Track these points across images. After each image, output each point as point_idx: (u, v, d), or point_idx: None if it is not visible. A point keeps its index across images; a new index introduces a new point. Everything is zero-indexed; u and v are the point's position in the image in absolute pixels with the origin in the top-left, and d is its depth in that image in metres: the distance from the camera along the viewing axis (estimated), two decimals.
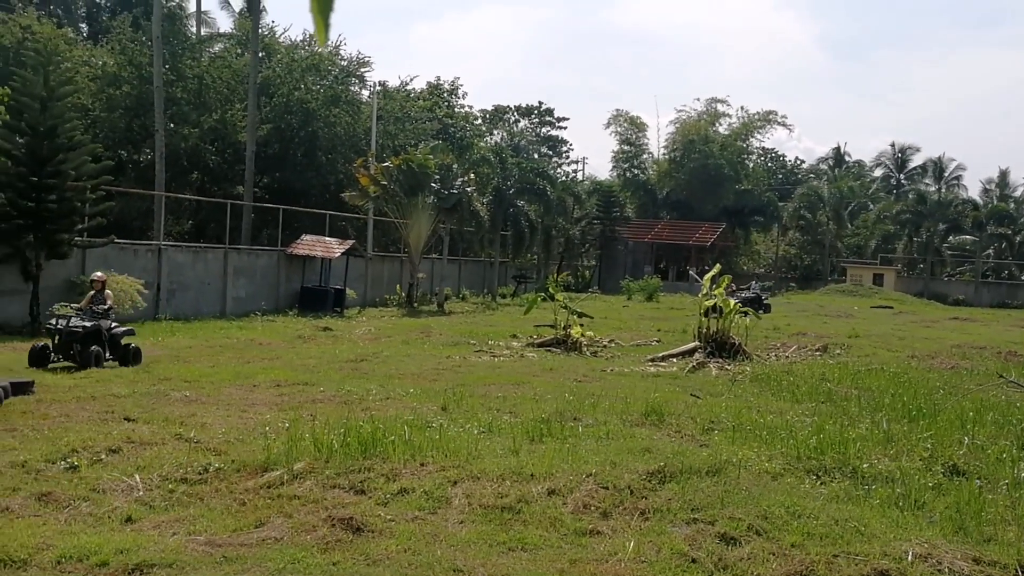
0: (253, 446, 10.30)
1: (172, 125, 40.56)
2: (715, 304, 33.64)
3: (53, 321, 17.95)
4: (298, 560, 7.16)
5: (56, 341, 17.61)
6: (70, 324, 17.53)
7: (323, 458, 9.40)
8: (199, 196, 41.13)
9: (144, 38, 43.18)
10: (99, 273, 19.35)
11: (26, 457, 9.79)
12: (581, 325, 23.81)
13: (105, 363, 17.70)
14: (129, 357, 18.14)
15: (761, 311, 34.26)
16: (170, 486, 8.98)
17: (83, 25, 62.52)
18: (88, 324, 17.64)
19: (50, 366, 17.39)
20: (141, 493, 8.82)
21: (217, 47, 51.52)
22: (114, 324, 18.42)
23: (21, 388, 13.67)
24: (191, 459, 9.73)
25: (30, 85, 23.93)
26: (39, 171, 23.47)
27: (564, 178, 70.74)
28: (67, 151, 24.01)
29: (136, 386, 14.97)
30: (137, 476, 9.17)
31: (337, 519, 7.86)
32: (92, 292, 18.71)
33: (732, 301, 21.91)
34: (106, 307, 18.29)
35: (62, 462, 9.63)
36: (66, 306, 19.38)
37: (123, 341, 18.41)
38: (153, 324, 26.89)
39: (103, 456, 9.89)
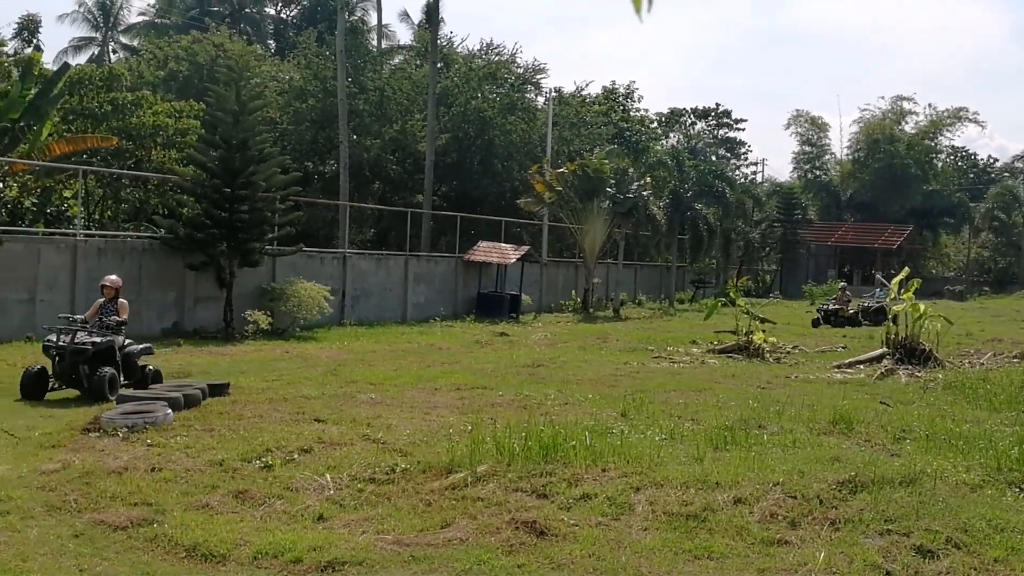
0: (437, 448, 10.46)
1: (355, 136, 41.80)
2: (834, 309, 32.54)
3: (52, 337, 14.39)
4: (483, 562, 7.22)
5: (57, 362, 14.28)
6: (75, 340, 14.12)
7: (505, 461, 9.46)
8: (381, 205, 42.23)
9: (328, 52, 44.76)
10: (112, 277, 15.53)
11: (224, 456, 10.21)
12: (763, 331, 23.30)
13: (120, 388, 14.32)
14: (148, 382, 14.81)
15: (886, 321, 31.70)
16: (359, 485, 9.20)
17: (271, 42, 65.21)
18: (99, 340, 14.28)
19: (47, 396, 14.22)
20: (332, 492, 9.07)
21: (397, 59, 52.96)
22: (128, 341, 15.05)
23: (218, 390, 14.30)
24: (379, 459, 9.95)
25: (223, 100, 25.06)
26: (232, 182, 24.52)
27: (743, 180, 69.46)
28: (258, 163, 25.02)
29: (325, 388, 15.45)
30: (328, 475, 9.43)
31: (521, 522, 7.88)
32: (101, 300, 15.12)
33: (921, 305, 21.00)
34: (120, 320, 14.86)
35: (257, 461, 9.99)
36: (68, 317, 15.15)
37: (140, 361, 15.17)
38: (339, 329, 27.74)
39: (295, 456, 10.21)
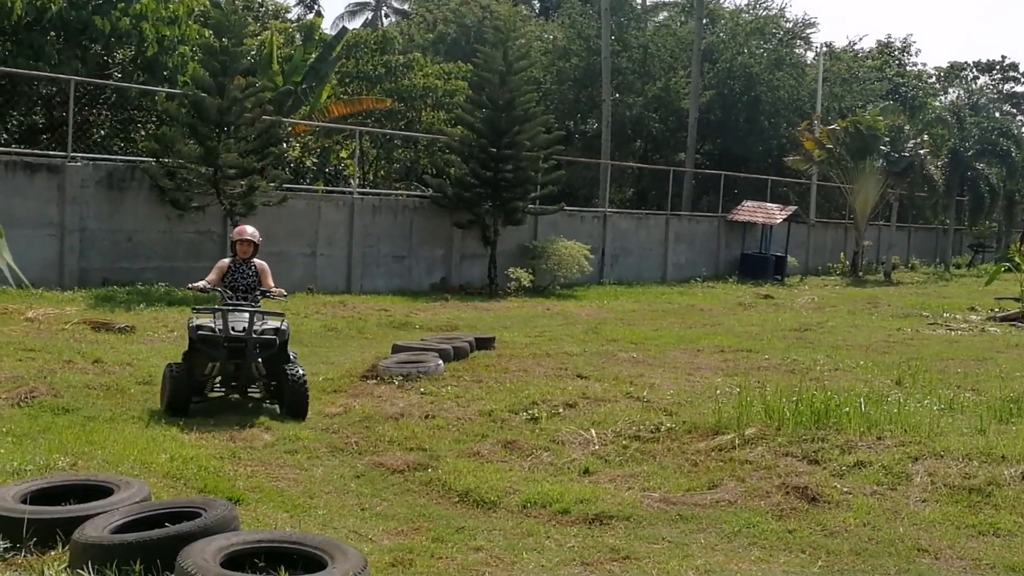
0: (703, 408, 10.34)
1: (617, 95, 41.71)
2: None
3: (209, 321, 9.91)
4: (753, 524, 7.09)
5: (228, 359, 9.83)
6: (254, 329, 9.75)
7: (774, 425, 9.23)
8: (641, 164, 42.04)
9: (592, 11, 44.76)
10: (251, 228, 10.78)
11: (492, 407, 10.51)
12: None
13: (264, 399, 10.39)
14: (297, 395, 9.94)
15: None
16: (624, 442, 9.24)
17: (535, 2, 65.89)
18: (280, 325, 10.15)
19: (196, 403, 9.97)
20: (596, 447, 9.15)
21: (661, 16, 52.35)
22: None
23: (484, 343, 14.75)
24: (643, 417, 9.95)
25: (490, 61, 25.55)
26: (497, 142, 25.02)
27: None
28: (522, 123, 25.40)
29: (586, 346, 15.60)
30: (593, 431, 9.52)
31: (791, 487, 7.68)
32: (227, 261, 10.58)
33: None
34: (281, 292, 10.56)
35: (524, 413, 10.22)
36: (203, 288, 10.34)
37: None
38: (597, 288, 27.92)
39: (560, 410, 10.37)
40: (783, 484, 7.76)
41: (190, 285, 10.75)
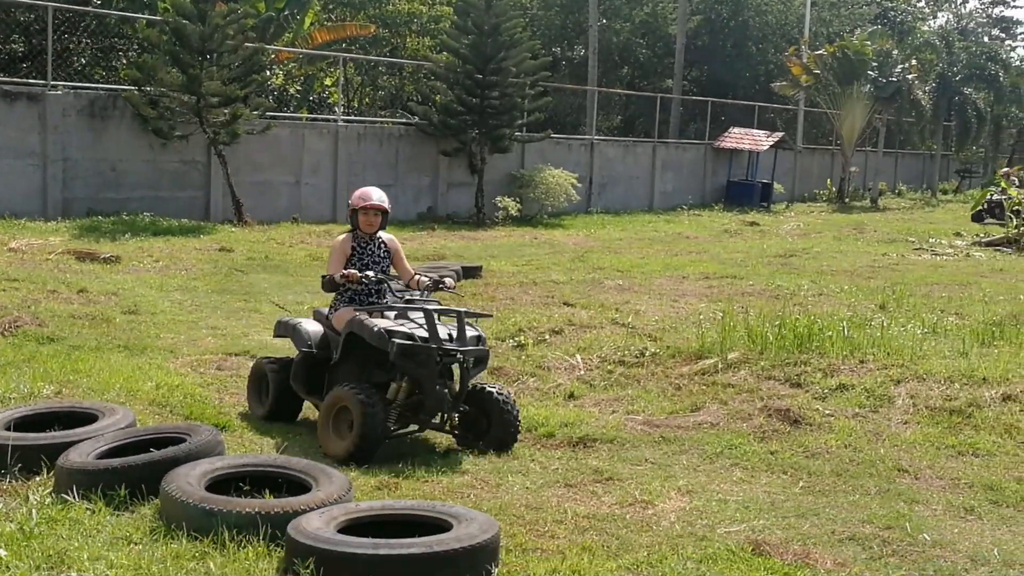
0: (686, 334, 10.39)
1: (604, 21, 41.25)
2: (999, 200, 24.83)
3: (398, 326, 6.93)
4: (735, 446, 7.18)
5: (441, 381, 6.92)
6: (469, 337, 6.95)
7: (757, 349, 9.30)
8: (629, 91, 41.73)
9: None
10: (377, 192, 7.59)
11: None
12: None
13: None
14: (508, 424, 7.18)
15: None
16: (608, 367, 9.31)
17: None
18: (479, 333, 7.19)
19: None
20: (582, 372, 9.22)
21: None
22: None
23: (471, 272, 14.77)
24: (628, 343, 9.99)
25: None
26: (483, 68, 24.75)
27: (1019, 63, 64.20)
28: (508, 49, 25.10)
29: (573, 274, 15.62)
30: (578, 356, 9.58)
31: (774, 410, 7.78)
32: (349, 236, 7.63)
33: None
34: (451, 281, 7.75)
35: (510, 340, 10.26)
36: (388, 278, 7.49)
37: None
38: (585, 216, 27.86)
39: (546, 336, 10.41)
40: (765, 407, 7.85)
41: (344, 273, 7.21)
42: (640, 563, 4.97)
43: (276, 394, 7.68)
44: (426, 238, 20.71)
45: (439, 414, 7.10)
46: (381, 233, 7.64)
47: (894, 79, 38.35)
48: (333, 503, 4.93)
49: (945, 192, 47.76)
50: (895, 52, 39.70)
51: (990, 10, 72.15)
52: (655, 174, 33.03)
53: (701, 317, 11.25)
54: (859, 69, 36.95)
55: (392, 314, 7.07)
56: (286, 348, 8.60)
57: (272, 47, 25.06)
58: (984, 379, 8.29)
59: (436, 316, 6.95)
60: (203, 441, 5.68)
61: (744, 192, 34.81)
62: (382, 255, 7.60)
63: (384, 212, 7.53)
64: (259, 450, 6.78)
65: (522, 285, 14.12)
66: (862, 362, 8.87)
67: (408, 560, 4.28)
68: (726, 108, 40.34)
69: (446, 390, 6.92)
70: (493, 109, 24.78)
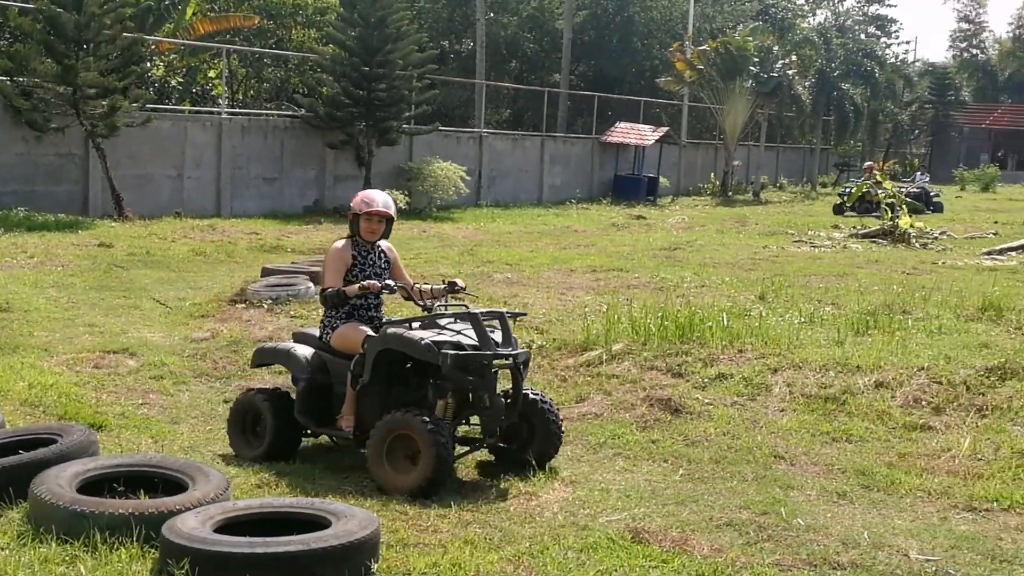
0: (573, 326, 10.49)
1: (492, 14, 41.36)
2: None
3: (439, 334, 6.34)
4: (618, 436, 7.28)
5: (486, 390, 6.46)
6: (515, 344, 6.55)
7: (640, 340, 9.43)
8: (517, 85, 41.90)
9: None
10: (382, 197, 7.06)
11: None
12: (910, 215, 22.49)
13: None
14: (553, 435, 6.75)
15: (930, 209, 29.41)
16: None
17: None
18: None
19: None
20: None
21: None
22: None
23: None
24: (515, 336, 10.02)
25: None
26: (369, 61, 24.57)
27: (893, 60, 66.31)
28: (395, 41, 24.98)
29: (462, 267, 15.62)
30: None
31: (655, 399, 7.91)
32: (348, 244, 7.00)
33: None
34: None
35: None
36: (398, 286, 6.87)
37: None
38: (474, 209, 27.89)
39: None
40: (648, 397, 7.98)
41: (364, 284, 6.65)
42: (521, 554, 5.00)
43: (276, 430, 6.71)
44: (312, 231, 20.49)
45: (498, 428, 6.48)
46: (383, 242, 7.07)
47: (775, 74, 39.27)
48: (210, 502, 4.85)
49: (825, 185, 49.09)
50: (776, 48, 40.66)
51: (866, 8, 74.32)
52: (544, 168, 33.23)
53: (587, 310, 11.37)
54: (741, 65, 37.73)
55: (416, 324, 6.44)
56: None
57: (152, 37, 24.48)
58: (858, 367, 8.54)
59: (506, 318, 6.59)
60: (75, 441, 5.53)
61: (631, 186, 35.24)
62: (382, 266, 7.00)
63: (390, 220, 6.90)
64: (137, 450, 6.62)
65: (411, 278, 14.03)
66: (741, 352, 9.06)
67: (285, 558, 4.23)
68: (613, 103, 40.81)
69: (503, 400, 6.46)
70: (380, 102, 24.63)
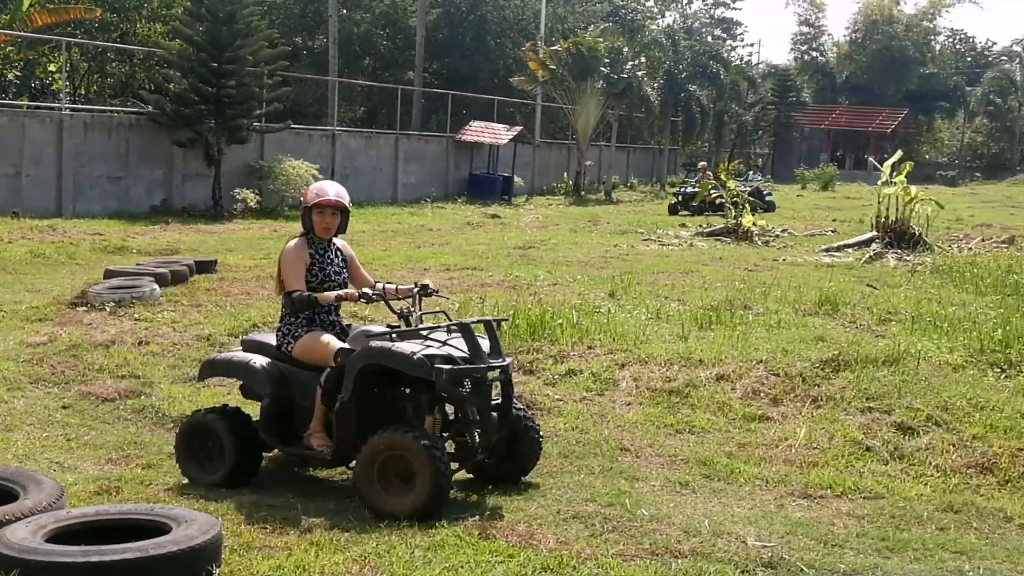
0: None
1: (345, 11, 40.98)
2: (693, 193, 28.22)
3: (425, 346, 5.99)
4: None
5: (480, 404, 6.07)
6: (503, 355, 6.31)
7: None
8: (370, 82, 41.64)
9: None
10: (334, 188, 6.63)
11: (210, 330, 10.27)
12: (753, 214, 23.24)
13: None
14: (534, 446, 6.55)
15: (763, 208, 29.73)
16: None
17: None
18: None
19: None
20: None
21: None
22: None
23: (205, 266, 14.32)
24: None
25: None
26: (218, 57, 24.06)
27: (738, 62, 68.42)
28: (245, 36, 24.52)
29: None
30: None
31: None
32: (304, 242, 6.58)
33: (913, 189, 20.86)
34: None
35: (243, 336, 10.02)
36: (378, 296, 6.42)
37: None
38: None
39: None
40: None
41: (341, 294, 6.39)
42: (368, 554, 5.00)
43: (236, 452, 6.22)
44: (159, 232, 19.96)
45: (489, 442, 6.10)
46: (337, 239, 6.64)
47: (625, 75, 39.99)
48: (43, 511, 4.70)
49: (673, 185, 50.02)
50: (625, 49, 41.41)
51: (713, 11, 76.50)
52: (398, 166, 33.11)
53: (439, 309, 11.36)
54: (592, 65, 38.28)
55: (394, 335, 6.06)
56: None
57: None
58: (700, 360, 8.82)
59: (494, 325, 6.29)
60: None
61: (486, 185, 35.41)
62: (340, 264, 6.59)
63: (344, 211, 6.49)
64: None
65: (259, 279, 13.81)
66: (590, 348, 9.24)
67: (122, 566, 4.13)
68: (467, 101, 40.93)
69: (495, 413, 6.08)
70: (230, 98, 24.16)
